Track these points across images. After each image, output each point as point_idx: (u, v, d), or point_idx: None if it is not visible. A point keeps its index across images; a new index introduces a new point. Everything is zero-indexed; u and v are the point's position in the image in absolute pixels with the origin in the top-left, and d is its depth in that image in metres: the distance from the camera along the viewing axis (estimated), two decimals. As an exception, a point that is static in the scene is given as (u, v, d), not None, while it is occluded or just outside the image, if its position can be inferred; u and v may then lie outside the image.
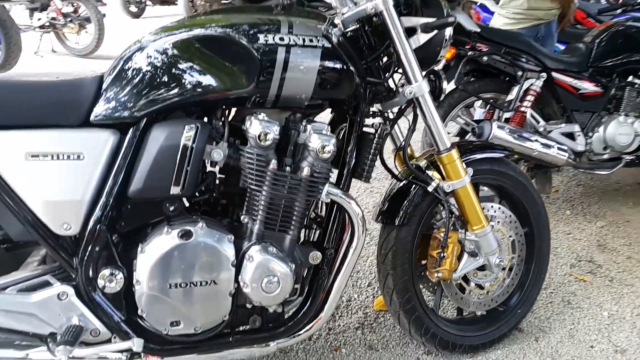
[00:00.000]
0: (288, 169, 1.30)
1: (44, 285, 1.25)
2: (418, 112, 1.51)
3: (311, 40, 1.30)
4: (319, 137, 1.30)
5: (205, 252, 1.27)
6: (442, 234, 1.57)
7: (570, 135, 2.76)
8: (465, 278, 1.68)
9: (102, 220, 1.24)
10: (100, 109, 1.25)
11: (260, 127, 1.26)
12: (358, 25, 1.45)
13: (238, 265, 1.30)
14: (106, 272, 1.25)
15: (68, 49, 6.72)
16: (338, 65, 1.33)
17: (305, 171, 1.30)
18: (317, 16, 1.43)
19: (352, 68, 1.35)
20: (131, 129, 1.26)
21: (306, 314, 1.43)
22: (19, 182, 1.20)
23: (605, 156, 2.78)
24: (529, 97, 2.67)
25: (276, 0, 1.66)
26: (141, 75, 1.25)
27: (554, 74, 2.69)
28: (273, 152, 1.30)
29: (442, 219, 1.65)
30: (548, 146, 2.57)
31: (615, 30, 2.81)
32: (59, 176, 1.22)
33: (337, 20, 1.40)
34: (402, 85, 1.49)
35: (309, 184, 1.32)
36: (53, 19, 6.36)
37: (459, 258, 1.61)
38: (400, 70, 1.46)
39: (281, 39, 1.27)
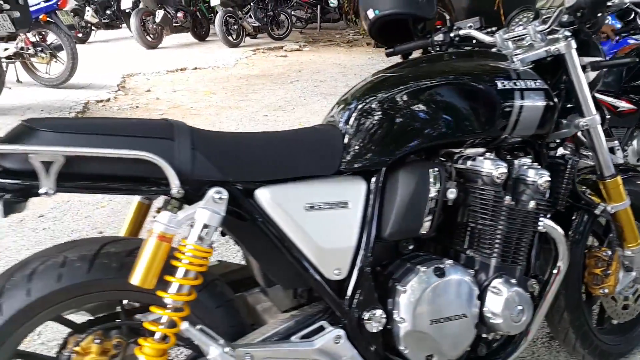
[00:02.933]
0: (513, 203, 1.41)
1: (319, 330, 1.26)
2: (587, 141, 1.66)
3: (535, 83, 1.42)
4: (535, 172, 1.42)
5: (457, 287, 1.34)
6: (604, 253, 1.73)
7: (611, 150, 3.05)
8: (616, 291, 1.84)
9: (366, 264, 1.28)
10: (349, 158, 1.29)
11: (494, 166, 1.36)
12: (532, 64, 1.60)
13: (480, 298, 1.38)
14: (371, 312, 1.29)
15: (37, 79, 6.37)
16: (551, 103, 1.46)
17: (532, 204, 1.41)
18: (499, 56, 1.55)
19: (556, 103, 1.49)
20: (375, 175, 1.32)
21: (517, 339, 1.53)
22: (298, 233, 1.22)
23: (643, 167, 3.10)
24: (578, 117, 2.92)
25: (422, 43, 1.77)
26: (386, 124, 1.31)
27: (597, 95, 2.97)
28: (502, 188, 1.40)
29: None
30: (603, 161, 2.83)
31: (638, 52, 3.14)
32: (332, 224, 1.25)
33: (515, 59, 1.52)
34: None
35: (534, 216, 1.43)
36: (22, 48, 6.01)
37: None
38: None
39: (515, 84, 1.38)
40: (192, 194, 1.13)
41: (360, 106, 1.34)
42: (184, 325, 1.09)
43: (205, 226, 1.10)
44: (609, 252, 1.74)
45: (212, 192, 1.11)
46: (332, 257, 1.26)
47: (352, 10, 14.13)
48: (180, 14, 10.30)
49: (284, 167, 1.22)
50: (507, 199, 1.37)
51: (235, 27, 10.31)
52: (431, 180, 1.32)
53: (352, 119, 1.33)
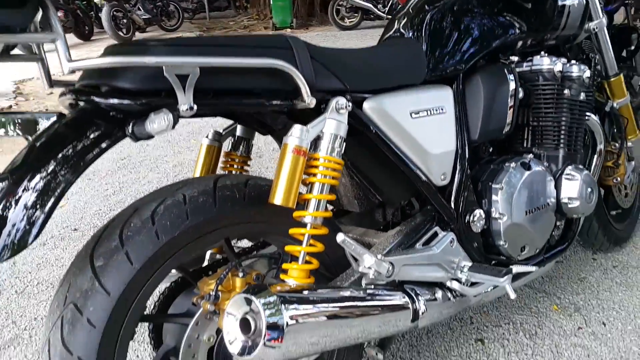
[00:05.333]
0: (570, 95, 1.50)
1: (434, 237, 1.28)
2: (594, 42, 1.80)
3: None
4: (579, 68, 1.52)
5: (540, 178, 1.43)
6: (614, 147, 1.91)
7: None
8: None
9: (465, 167, 1.32)
10: (432, 66, 1.32)
11: (553, 63, 1.47)
12: None
13: (555, 187, 1.47)
14: (473, 213, 1.33)
15: None
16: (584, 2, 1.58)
17: (582, 96, 1.52)
18: None
19: None
20: (455, 81, 1.35)
21: (574, 223, 1.65)
22: (407, 140, 1.21)
23: None
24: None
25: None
26: (461, 31, 1.36)
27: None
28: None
29: None
30: None
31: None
32: (434, 130, 1.27)
33: None
34: None
35: (586, 107, 1.54)
36: None
37: (621, 164, 1.97)
38: None
39: None
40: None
41: (430, 17, 1.36)
42: (340, 237, 1.05)
43: (335, 136, 1.06)
44: (617, 145, 1.91)
45: (334, 103, 1.07)
46: (438, 162, 1.27)
47: (241, -4, 13.95)
48: (60, 13, 9.51)
49: (385, 77, 1.22)
50: (566, 92, 1.47)
51: (125, 21, 9.76)
52: (509, 78, 1.39)
53: (426, 30, 1.35)
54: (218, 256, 1.35)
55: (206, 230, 1.03)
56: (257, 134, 1.46)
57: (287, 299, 0.89)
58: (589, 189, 1.48)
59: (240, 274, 1.07)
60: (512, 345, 1.64)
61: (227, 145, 1.41)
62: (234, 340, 0.87)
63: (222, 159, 1.39)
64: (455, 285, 1.27)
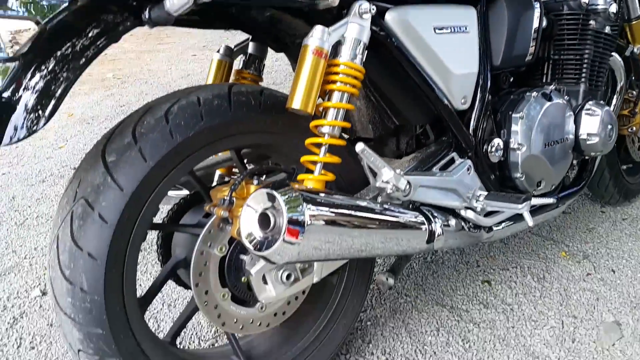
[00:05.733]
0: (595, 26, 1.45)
1: (451, 162, 1.24)
2: None
3: None
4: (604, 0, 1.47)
5: (560, 110, 1.38)
6: (631, 94, 1.86)
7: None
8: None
9: (486, 93, 1.27)
10: None
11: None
12: None
13: (575, 122, 1.43)
14: (492, 142, 1.29)
15: None
16: None
17: (607, 29, 1.47)
18: None
19: None
20: (479, 3, 1.29)
21: (590, 161, 1.61)
22: (429, 55, 1.16)
23: None
24: None
25: None
26: None
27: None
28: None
29: None
30: None
31: None
32: (457, 48, 1.21)
33: None
34: None
35: (611, 41, 1.49)
36: None
37: (638, 113, 1.92)
38: None
39: None
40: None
41: None
42: (360, 147, 1.01)
43: (357, 41, 1.01)
44: (634, 93, 1.87)
45: (357, 6, 1.01)
46: (460, 84, 1.22)
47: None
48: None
49: None
50: (592, 23, 1.41)
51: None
52: (534, 5, 1.34)
53: None
54: (227, 179, 1.31)
55: (220, 134, 0.99)
56: (269, 55, 1.41)
57: (309, 198, 0.86)
58: (609, 126, 1.44)
59: (255, 182, 1.03)
60: (519, 288, 1.62)
61: (237, 64, 1.36)
62: (250, 234, 0.83)
63: (232, 77, 1.34)
64: (470, 214, 1.24)
